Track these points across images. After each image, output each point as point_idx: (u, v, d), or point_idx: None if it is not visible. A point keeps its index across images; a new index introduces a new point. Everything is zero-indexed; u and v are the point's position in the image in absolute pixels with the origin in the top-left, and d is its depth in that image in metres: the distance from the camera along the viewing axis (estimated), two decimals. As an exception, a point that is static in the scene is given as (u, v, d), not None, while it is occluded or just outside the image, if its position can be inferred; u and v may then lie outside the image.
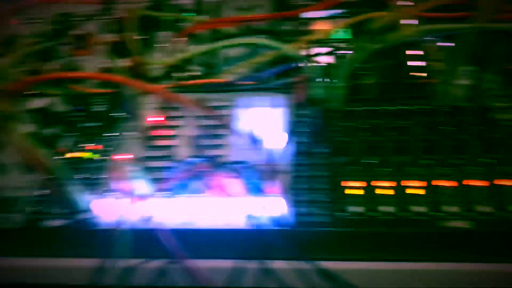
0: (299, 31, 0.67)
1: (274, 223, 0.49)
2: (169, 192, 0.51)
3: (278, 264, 0.49)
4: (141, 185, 0.53)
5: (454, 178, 0.50)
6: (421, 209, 0.48)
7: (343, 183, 0.52)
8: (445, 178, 0.50)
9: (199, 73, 0.68)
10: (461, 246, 0.48)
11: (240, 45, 0.68)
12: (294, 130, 0.55)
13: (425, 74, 0.59)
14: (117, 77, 0.62)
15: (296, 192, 0.52)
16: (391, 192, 0.50)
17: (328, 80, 0.60)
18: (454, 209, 0.48)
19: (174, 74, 0.67)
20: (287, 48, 0.61)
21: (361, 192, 0.51)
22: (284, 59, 0.63)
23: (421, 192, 0.50)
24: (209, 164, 0.53)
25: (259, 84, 0.63)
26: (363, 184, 0.51)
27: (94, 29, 0.75)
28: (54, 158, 0.55)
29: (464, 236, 0.47)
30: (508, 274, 0.47)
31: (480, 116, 0.55)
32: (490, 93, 0.56)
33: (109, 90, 0.63)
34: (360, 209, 0.49)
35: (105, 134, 0.59)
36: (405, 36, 0.56)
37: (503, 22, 0.54)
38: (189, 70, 0.68)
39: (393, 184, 0.51)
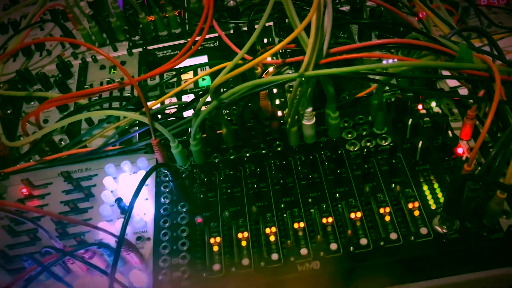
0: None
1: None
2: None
3: None
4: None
5: (304, 219, 0.52)
6: (276, 256, 0.50)
7: (205, 240, 0.52)
8: (297, 220, 0.52)
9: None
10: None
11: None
12: (158, 192, 0.55)
13: (273, 118, 0.60)
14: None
15: (158, 258, 0.51)
16: (246, 243, 0.51)
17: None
18: (305, 251, 0.50)
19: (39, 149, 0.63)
20: (134, 116, 0.57)
21: (221, 248, 0.51)
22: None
23: (273, 238, 0.51)
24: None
25: (124, 148, 0.62)
26: (223, 238, 0.52)
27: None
28: None
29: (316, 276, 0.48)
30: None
31: (333, 150, 0.57)
32: (337, 128, 0.58)
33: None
34: (219, 266, 0.50)
35: None
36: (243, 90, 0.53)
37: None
38: (54, 143, 0.65)
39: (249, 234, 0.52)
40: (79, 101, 0.67)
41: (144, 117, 0.56)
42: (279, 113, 0.61)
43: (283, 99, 0.66)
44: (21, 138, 0.66)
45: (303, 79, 0.51)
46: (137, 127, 0.63)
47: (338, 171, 0.55)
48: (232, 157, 0.60)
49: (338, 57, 0.51)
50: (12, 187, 0.63)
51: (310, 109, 0.56)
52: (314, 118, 0.57)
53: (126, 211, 0.55)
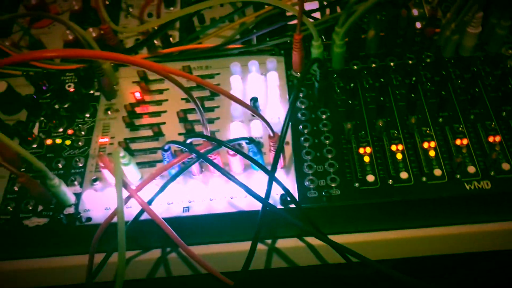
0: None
1: (281, 200, 0.44)
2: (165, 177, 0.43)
3: (288, 243, 0.47)
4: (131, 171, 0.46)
5: (468, 135, 0.47)
6: (439, 172, 0.45)
7: (353, 150, 0.47)
8: (459, 136, 0.47)
9: (179, 40, 0.60)
10: (483, 207, 0.46)
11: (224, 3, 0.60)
12: (292, 95, 0.46)
13: (430, 24, 0.54)
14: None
15: (302, 164, 0.47)
16: (402, 155, 0.47)
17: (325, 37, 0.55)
18: (473, 169, 0.45)
19: (151, 42, 0.58)
20: (279, 3, 0.51)
21: (373, 158, 0.47)
22: (275, 17, 0.55)
23: (433, 153, 0.46)
24: (204, 142, 0.44)
25: (249, 47, 0.56)
26: (374, 149, 0.47)
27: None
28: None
29: (485, 197, 0.44)
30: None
31: (493, 65, 0.51)
32: (501, 40, 0.52)
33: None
34: (373, 177, 0.45)
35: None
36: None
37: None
38: (168, 37, 0.59)
39: (404, 147, 0.47)
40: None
41: (293, 7, 0.50)
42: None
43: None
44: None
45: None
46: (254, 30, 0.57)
47: (502, 88, 0.49)
48: (374, 65, 0.54)
49: None
50: (123, 79, 0.57)
51: (481, 14, 0.49)
52: (481, 27, 0.51)
53: (258, 110, 0.51)
